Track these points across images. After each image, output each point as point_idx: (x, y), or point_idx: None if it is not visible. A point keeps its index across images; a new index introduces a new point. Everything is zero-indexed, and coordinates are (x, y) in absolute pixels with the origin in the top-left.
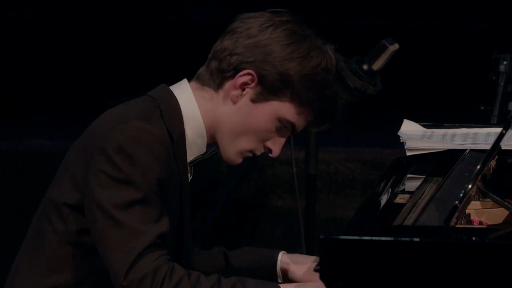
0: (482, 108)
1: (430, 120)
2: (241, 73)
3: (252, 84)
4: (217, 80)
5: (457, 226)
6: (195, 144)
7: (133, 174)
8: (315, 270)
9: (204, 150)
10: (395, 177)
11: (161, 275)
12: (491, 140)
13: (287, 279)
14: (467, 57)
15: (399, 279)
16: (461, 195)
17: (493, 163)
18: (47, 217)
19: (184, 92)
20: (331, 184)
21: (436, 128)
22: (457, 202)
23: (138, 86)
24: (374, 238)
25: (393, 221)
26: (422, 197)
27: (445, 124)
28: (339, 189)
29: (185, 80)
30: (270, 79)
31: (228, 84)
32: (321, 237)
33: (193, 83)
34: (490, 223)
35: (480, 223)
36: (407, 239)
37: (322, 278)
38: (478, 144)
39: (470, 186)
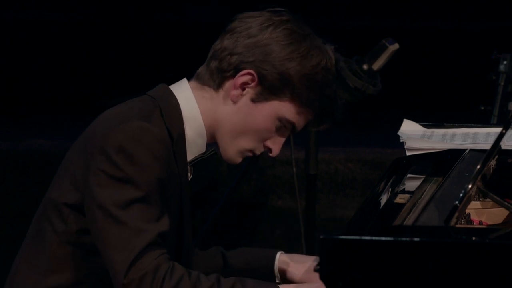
0: (482, 108)
1: (430, 120)
2: (241, 73)
3: (252, 84)
4: (217, 79)
5: (457, 226)
6: (195, 143)
7: (133, 173)
8: (315, 270)
9: (204, 150)
10: (395, 177)
11: (161, 274)
12: (491, 140)
13: (285, 279)
14: (467, 57)
15: (399, 279)
16: (461, 195)
17: (493, 163)
18: (47, 217)
19: (184, 92)
20: (331, 184)
21: (436, 128)
22: (457, 202)
23: (138, 86)
24: (374, 238)
25: (393, 221)
26: (422, 197)
27: (445, 124)
28: (339, 189)
29: (184, 80)
30: (270, 79)
31: (228, 84)
32: (321, 237)
33: (193, 82)
34: (490, 223)
35: (480, 223)
36: (407, 239)
37: (322, 278)
38: (478, 144)
39: (470, 186)
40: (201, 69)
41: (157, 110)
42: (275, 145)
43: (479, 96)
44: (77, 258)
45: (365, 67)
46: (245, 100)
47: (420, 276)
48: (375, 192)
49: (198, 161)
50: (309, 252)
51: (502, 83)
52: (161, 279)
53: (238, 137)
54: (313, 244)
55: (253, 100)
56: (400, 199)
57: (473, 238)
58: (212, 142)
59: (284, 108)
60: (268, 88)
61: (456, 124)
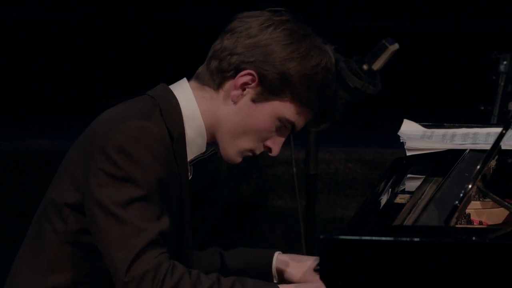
0: (482, 108)
1: (430, 120)
2: (242, 73)
3: (253, 84)
4: (217, 80)
5: (457, 226)
6: (195, 143)
7: (133, 172)
8: (315, 270)
9: (204, 149)
10: (395, 177)
11: (162, 272)
12: (491, 140)
13: (283, 279)
14: (468, 58)
15: (399, 279)
16: (461, 195)
17: (493, 163)
18: (47, 217)
19: (184, 92)
20: (331, 184)
21: (436, 128)
22: (457, 202)
23: (138, 86)
24: (374, 238)
25: (393, 221)
26: (422, 197)
27: (445, 124)
28: (339, 189)
29: (184, 80)
30: (271, 79)
31: (228, 84)
32: (321, 237)
33: (193, 82)
34: (490, 223)
35: (480, 223)
36: (407, 239)
37: (322, 278)
38: (478, 144)
39: (470, 186)
40: (201, 69)
41: (157, 110)
42: (275, 144)
43: (479, 96)
44: (77, 258)
45: (365, 67)
46: (246, 100)
47: (420, 276)
48: (375, 192)
49: (198, 161)
50: (309, 252)
51: (502, 83)
52: (162, 277)
53: (238, 137)
54: (313, 244)
55: (254, 100)
56: (400, 199)
57: (473, 238)
58: (212, 142)
59: (284, 108)
60: (268, 88)
61: (456, 124)
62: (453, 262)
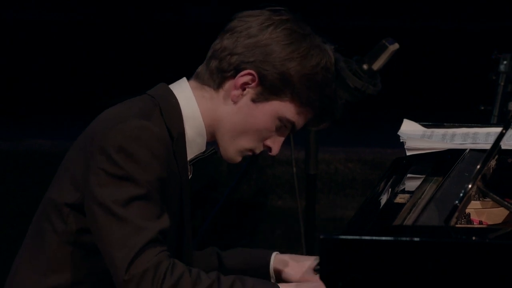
0: (482, 108)
1: (430, 120)
2: (242, 73)
3: (253, 84)
4: (217, 79)
5: (457, 226)
6: (194, 142)
7: (133, 171)
8: (315, 270)
9: (204, 149)
10: (395, 177)
11: (162, 270)
12: (491, 140)
13: (281, 279)
14: (467, 57)
15: (399, 279)
16: (461, 194)
17: (493, 163)
18: (47, 217)
19: (184, 91)
20: (331, 184)
21: (436, 128)
22: (457, 202)
23: (138, 86)
24: (374, 238)
25: (393, 221)
26: (422, 197)
27: (445, 124)
28: (339, 189)
29: (184, 79)
30: (271, 79)
31: (228, 84)
32: (321, 237)
33: (193, 82)
34: (490, 223)
35: (480, 223)
36: (407, 239)
37: (322, 278)
38: (478, 144)
39: (470, 186)
40: (201, 69)
41: (157, 109)
42: (275, 144)
43: (479, 96)
44: (77, 258)
45: (365, 67)
46: (246, 100)
47: (420, 276)
48: (375, 192)
49: (198, 160)
50: (309, 252)
51: (502, 83)
52: (162, 275)
53: (238, 137)
54: (313, 244)
55: (254, 100)
56: (400, 199)
57: (473, 238)
58: (212, 141)
59: (284, 108)
60: (268, 88)
61: (456, 124)
62: (453, 262)
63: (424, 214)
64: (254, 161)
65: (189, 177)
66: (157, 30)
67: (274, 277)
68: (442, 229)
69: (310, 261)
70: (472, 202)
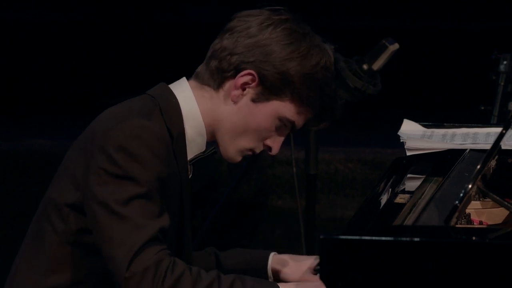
0: (482, 108)
1: (430, 120)
2: (242, 73)
3: (253, 84)
4: (217, 79)
5: (457, 226)
6: (194, 142)
7: (133, 170)
8: (315, 270)
9: (204, 148)
10: (395, 177)
11: (163, 268)
12: (491, 140)
13: (279, 279)
14: (467, 57)
15: (399, 279)
16: (461, 195)
17: (493, 163)
18: (47, 217)
19: (184, 91)
20: (331, 184)
21: (436, 128)
22: (457, 202)
23: (138, 86)
24: (374, 238)
25: (393, 221)
26: (422, 197)
27: (445, 124)
28: (339, 189)
29: (184, 79)
30: (271, 79)
31: (228, 84)
32: (321, 237)
33: (192, 81)
34: (490, 223)
35: (480, 223)
36: (407, 239)
37: (322, 278)
38: (478, 144)
39: (470, 186)
40: (200, 68)
41: (157, 109)
42: (275, 143)
43: (479, 96)
44: (77, 258)
45: (365, 67)
46: (246, 100)
47: (420, 276)
48: (375, 192)
49: (198, 160)
50: (309, 252)
51: (502, 83)
52: (163, 273)
53: (239, 137)
54: (313, 244)
55: (254, 100)
56: (400, 199)
57: (473, 238)
58: (212, 141)
59: (285, 108)
60: (268, 88)
61: (456, 124)
62: (453, 262)
63: (424, 214)
64: (254, 161)
65: (189, 176)
66: (157, 30)
67: (272, 277)
68: (442, 229)
69: (308, 261)
70: (472, 202)
